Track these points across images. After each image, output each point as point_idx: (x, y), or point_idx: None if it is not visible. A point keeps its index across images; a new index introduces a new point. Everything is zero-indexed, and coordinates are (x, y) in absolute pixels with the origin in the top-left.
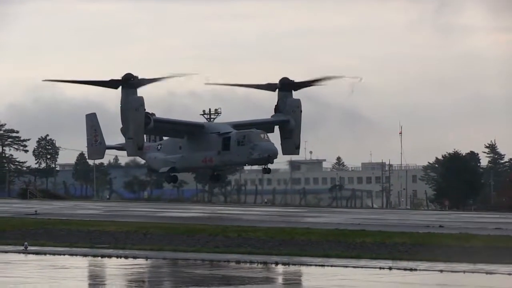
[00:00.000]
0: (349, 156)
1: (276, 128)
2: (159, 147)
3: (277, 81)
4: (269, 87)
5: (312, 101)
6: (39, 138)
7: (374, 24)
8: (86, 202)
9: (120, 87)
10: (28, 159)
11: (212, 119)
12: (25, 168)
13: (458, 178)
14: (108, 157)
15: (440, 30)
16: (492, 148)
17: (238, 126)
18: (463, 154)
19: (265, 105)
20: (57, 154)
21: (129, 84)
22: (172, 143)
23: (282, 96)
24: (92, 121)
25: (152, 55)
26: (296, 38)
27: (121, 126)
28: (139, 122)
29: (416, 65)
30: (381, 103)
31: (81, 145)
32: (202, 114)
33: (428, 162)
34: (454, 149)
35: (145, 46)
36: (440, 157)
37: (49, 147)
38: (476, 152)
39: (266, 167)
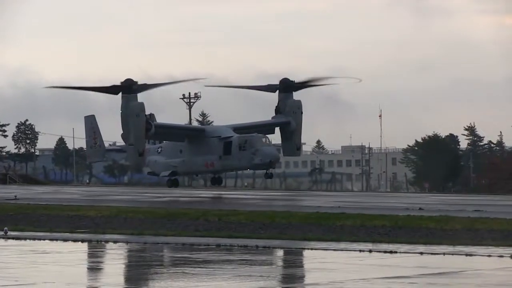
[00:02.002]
0: (329, 139)
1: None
2: (159, 150)
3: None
4: (269, 88)
5: None
6: (18, 123)
7: (353, 6)
8: (66, 187)
9: (120, 93)
10: (8, 144)
11: (192, 103)
12: (4, 153)
13: (437, 161)
14: None
15: (420, 12)
16: (471, 130)
17: (238, 129)
18: (443, 137)
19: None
20: (37, 139)
21: (129, 90)
22: (173, 146)
23: (283, 97)
24: (91, 123)
25: (132, 40)
26: (275, 22)
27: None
28: (140, 129)
29: (396, 48)
30: (361, 86)
31: (61, 130)
32: (182, 98)
33: (408, 145)
34: (434, 132)
35: (125, 31)
36: (419, 139)
37: (29, 132)
38: (455, 134)
39: (268, 172)
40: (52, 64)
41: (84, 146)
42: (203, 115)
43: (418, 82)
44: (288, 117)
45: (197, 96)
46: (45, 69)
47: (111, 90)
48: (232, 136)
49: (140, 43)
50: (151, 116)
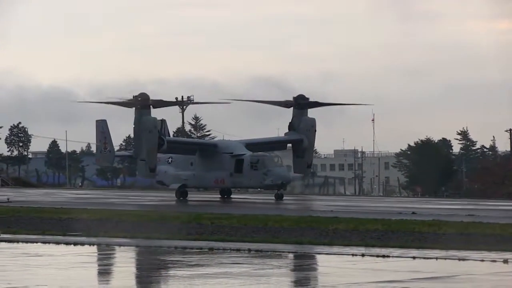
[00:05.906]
0: (322, 143)
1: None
2: (169, 160)
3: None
4: (285, 104)
5: (282, 88)
6: (11, 126)
7: (343, 11)
8: (58, 189)
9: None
10: (0, 147)
11: (185, 107)
12: None
13: (430, 165)
14: (83, 145)
15: (412, 17)
16: (464, 135)
17: (251, 145)
18: (435, 141)
19: (232, 91)
20: (30, 142)
21: (143, 104)
22: (184, 158)
23: (297, 114)
24: (102, 127)
25: (123, 43)
26: (264, 27)
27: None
28: (153, 145)
29: (389, 52)
30: (354, 90)
31: (53, 132)
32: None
33: (401, 149)
34: (427, 136)
35: (116, 34)
36: (412, 144)
37: (22, 134)
38: (448, 139)
39: (279, 192)
40: (44, 66)
41: (77, 149)
42: (196, 118)
43: (411, 86)
44: (302, 134)
45: (190, 100)
46: (37, 71)
47: (125, 104)
48: (244, 154)
49: (130, 46)
50: (163, 122)
